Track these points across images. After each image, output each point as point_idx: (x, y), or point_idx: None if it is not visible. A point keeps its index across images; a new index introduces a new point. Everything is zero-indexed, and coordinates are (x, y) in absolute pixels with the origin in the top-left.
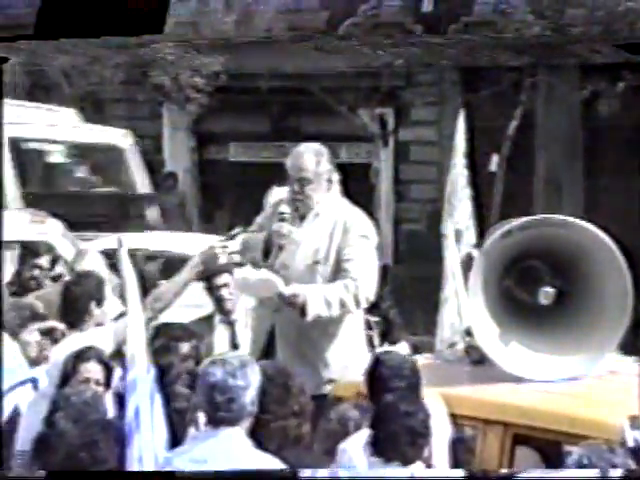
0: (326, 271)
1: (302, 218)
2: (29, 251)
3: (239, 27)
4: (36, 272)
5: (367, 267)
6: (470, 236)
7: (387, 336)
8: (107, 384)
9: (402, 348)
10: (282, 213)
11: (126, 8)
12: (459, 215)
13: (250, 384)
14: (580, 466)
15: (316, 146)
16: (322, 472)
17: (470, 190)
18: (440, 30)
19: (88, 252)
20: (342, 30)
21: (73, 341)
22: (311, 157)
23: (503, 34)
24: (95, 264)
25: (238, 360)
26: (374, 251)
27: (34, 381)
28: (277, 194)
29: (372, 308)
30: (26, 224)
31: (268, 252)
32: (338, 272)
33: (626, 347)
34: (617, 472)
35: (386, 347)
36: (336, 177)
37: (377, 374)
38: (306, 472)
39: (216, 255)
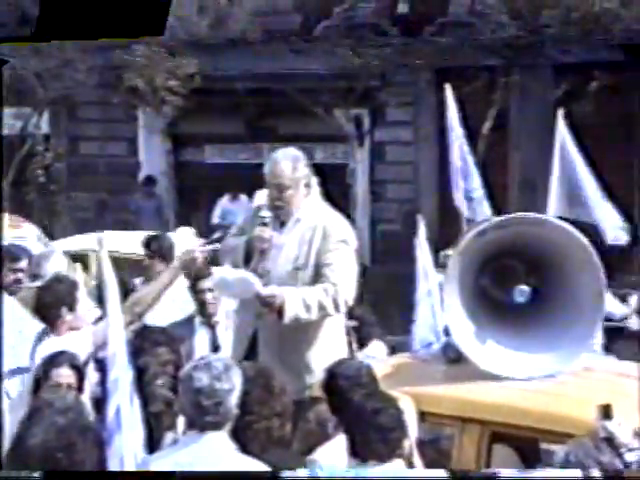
0: (306, 276)
1: (282, 224)
2: (7, 255)
3: (213, 30)
4: (20, 275)
5: (346, 272)
6: (485, 208)
7: (364, 338)
8: (79, 388)
9: (377, 347)
10: (263, 217)
11: (125, 10)
12: (472, 184)
13: (235, 387)
14: (566, 463)
15: (292, 151)
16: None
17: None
18: (415, 32)
19: (52, 254)
20: (317, 32)
21: (50, 345)
22: (287, 163)
23: (479, 35)
24: (59, 266)
25: (222, 363)
26: (353, 256)
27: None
28: (259, 198)
29: (348, 310)
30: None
31: (249, 256)
32: (318, 277)
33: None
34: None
35: (360, 350)
36: (314, 181)
37: (335, 388)
38: (287, 473)
39: (195, 259)
